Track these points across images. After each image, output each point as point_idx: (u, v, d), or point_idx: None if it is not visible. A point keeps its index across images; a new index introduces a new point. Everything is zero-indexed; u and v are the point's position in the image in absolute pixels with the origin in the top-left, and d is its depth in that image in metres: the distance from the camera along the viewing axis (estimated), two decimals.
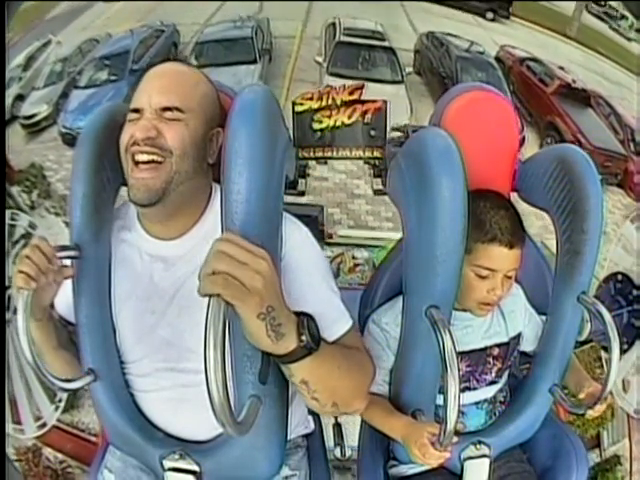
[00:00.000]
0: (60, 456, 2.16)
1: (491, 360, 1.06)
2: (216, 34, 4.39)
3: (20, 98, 4.15)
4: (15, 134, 4.00)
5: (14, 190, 3.20)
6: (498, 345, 1.06)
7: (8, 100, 3.99)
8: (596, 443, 2.32)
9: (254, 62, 4.24)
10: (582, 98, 4.21)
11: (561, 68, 4.37)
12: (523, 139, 3.83)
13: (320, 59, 4.21)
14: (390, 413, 0.98)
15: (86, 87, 4.19)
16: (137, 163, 0.84)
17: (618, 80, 4.17)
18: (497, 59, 4.49)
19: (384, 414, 0.98)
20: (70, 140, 3.86)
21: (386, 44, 4.30)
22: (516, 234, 0.96)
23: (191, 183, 0.87)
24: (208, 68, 4.13)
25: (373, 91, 3.90)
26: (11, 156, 3.43)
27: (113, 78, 4.21)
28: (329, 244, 2.91)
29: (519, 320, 1.09)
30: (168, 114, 0.85)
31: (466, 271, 0.95)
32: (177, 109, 0.85)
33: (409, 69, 4.28)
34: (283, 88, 4.10)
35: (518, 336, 1.09)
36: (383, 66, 4.25)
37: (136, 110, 0.86)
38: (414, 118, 3.94)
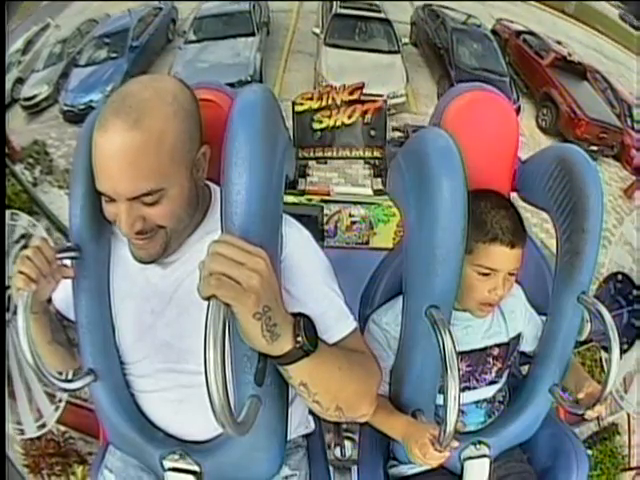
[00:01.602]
0: (62, 428, 2.16)
1: (491, 360, 1.06)
2: (214, 9, 4.47)
3: (20, 81, 4.24)
4: (16, 116, 4.08)
5: (17, 168, 3.22)
6: (498, 345, 1.06)
7: (8, 85, 4.06)
8: None
9: (252, 35, 4.30)
10: (578, 71, 4.28)
11: (559, 43, 4.41)
12: (519, 108, 3.87)
13: (317, 30, 4.28)
14: (390, 413, 0.98)
15: (86, 65, 4.26)
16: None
17: (617, 58, 4.20)
18: (493, 32, 4.56)
19: (384, 414, 0.97)
20: (72, 117, 3.97)
21: (382, 16, 4.38)
22: (517, 234, 0.96)
23: (189, 219, 0.85)
24: (207, 42, 4.24)
25: (370, 60, 3.98)
26: (13, 137, 3.51)
27: (113, 55, 4.29)
28: (326, 202, 2.90)
29: (519, 320, 1.09)
30: (146, 199, 0.77)
31: (467, 271, 0.95)
32: (153, 191, 0.77)
33: (405, 40, 4.36)
34: (281, 60, 4.19)
35: (518, 336, 1.09)
36: (379, 37, 4.32)
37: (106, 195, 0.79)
38: (410, 87, 4.02)
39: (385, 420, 0.98)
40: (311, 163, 3.37)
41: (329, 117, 3.22)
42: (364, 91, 3.15)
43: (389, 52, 4.22)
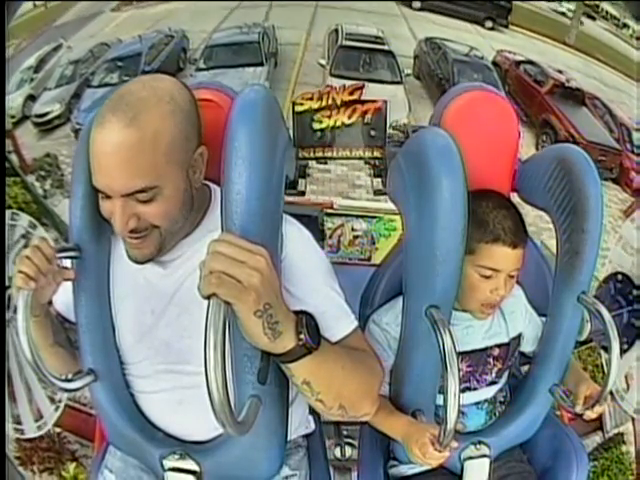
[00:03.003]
0: (58, 429, 2.16)
1: (491, 360, 1.06)
2: (224, 38, 4.61)
3: (31, 98, 4.31)
4: (27, 132, 4.15)
5: (29, 180, 3.27)
6: (499, 345, 1.06)
7: (19, 100, 4.15)
8: (599, 425, 2.30)
9: (261, 65, 4.41)
10: (576, 97, 4.36)
11: (559, 72, 4.47)
12: (519, 133, 3.91)
13: (323, 62, 4.41)
14: (390, 413, 0.98)
15: (99, 87, 4.35)
16: None
17: (617, 85, 4.26)
18: (494, 63, 4.66)
19: (384, 414, 0.97)
20: None
21: (386, 48, 4.52)
22: (519, 234, 0.96)
23: (183, 220, 0.85)
24: (217, 70, 4.37)
25: (373, 91, 4.07)
26: (24, 151, 3.58)
27: (125, 78, 4.37)
28: (329, 215, 2.91)
29: (520, 321, 1.09)
30: (141, 196, 0.77)
31: (469, 272, 0.96)
32: (147, 189, 0.77)
33: (408, 71, 4.48)
34: (288, 90, 4.27)
35: (519, 336, 1.09)
36: (383, 68, 4.44)
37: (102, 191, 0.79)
38: (412, 117, 4.11)
39: (385, 420, 0.98)
40: (314, 175, 3.40)
41: (329, 117, 3.23)
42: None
43: (392, 83, 4.33)
